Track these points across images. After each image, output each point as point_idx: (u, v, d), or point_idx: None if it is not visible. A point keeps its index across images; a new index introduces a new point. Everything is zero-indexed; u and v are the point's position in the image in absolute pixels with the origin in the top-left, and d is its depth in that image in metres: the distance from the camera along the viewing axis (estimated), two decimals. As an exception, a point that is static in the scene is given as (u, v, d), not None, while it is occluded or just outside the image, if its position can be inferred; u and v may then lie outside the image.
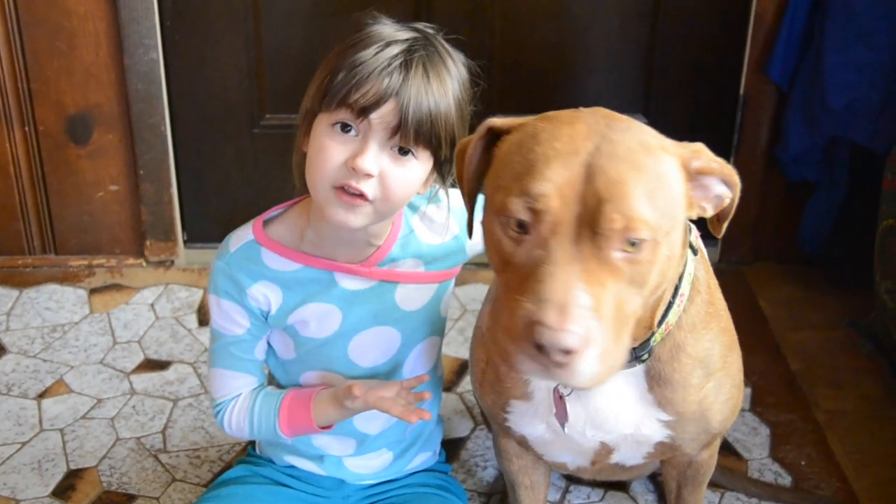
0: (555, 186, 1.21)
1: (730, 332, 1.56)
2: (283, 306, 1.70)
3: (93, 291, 2.81)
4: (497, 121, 1.36)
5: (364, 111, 1.51)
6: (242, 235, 1.71)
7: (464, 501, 1.92)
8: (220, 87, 2.80)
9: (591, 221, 1.20)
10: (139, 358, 2.52)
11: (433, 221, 1.75)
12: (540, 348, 1.17)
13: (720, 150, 2.78)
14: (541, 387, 1.52)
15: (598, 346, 1.19)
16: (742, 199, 2.97)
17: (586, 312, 1.17)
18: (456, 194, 1.73)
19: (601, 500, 2.08)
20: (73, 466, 2.18)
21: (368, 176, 1.53)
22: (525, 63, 2.80)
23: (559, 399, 1.50)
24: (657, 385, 1.48)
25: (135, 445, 2.23)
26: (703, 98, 2.83)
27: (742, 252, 2.95)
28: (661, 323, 1.42)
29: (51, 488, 2.12)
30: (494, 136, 1.37)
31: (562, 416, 1.50)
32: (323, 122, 1.56)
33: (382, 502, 1.89)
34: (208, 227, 2.93)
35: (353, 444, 1.83)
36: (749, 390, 2.41)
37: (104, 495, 2.10)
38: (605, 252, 1.20)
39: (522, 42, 2.77)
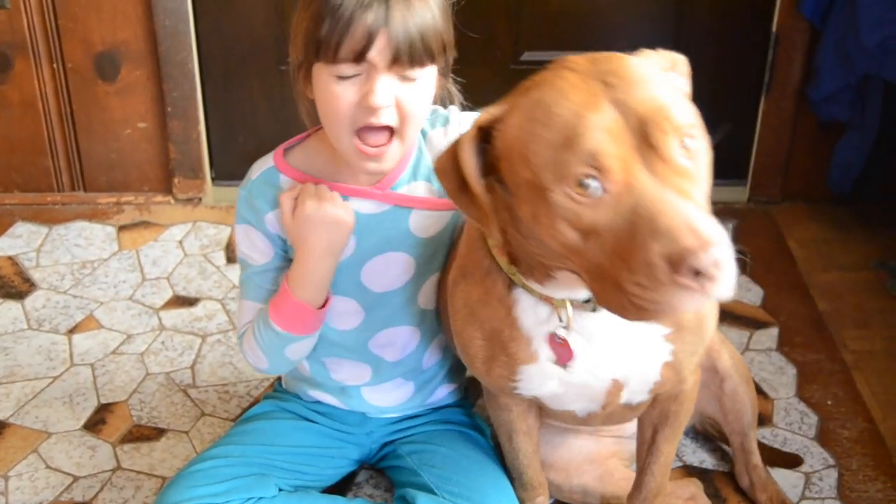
0: (605, 131, 1.18)
1: None
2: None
3: (121, 228, 2.82)
4: (484, 118, 1.30)
5: (360, 55, 1.51)
6: (264, 163, 1.75)
7: (487, 438, 1.93)
8: (247, 23, 2.78)
9: (650, 144, 1.18)
10: (168, 294, 2.54)
11: (438, 144, 1.74)
12: (697, 274, 1.12)
13: (752, 88, 2.79)
14: (544, 344, 1.50)
15: (729, 244, 1.15)
16: (772, 138, 2.97)
17: (707, 219, 1.15)
18: (456, 118, 1.73)
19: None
20: (103, 401, 2.20)
21: (386, 108, 1.54)
22: (553, 2, 2.76)
23: (559, 345, 1.48)
24: None
25: (164, 380, 2.26)
26: (735, 35, 2.80)
27: (771, 192, 2.93)
28: None
29: (82, 422, 2.15)
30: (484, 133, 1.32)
31: (565, 359, 1.49)
32: (324, 73, 1.56)
33: (405, 440, 1.90)
34: (236, 165, 2.93)
35: (368, 371, 1.84)
36: (776, 330, 2.41)
37: (134, 429, 2.13)
38: (675, 162, 1.19)
39: (552, -22, 2.75)
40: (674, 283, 1.13)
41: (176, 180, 2.92)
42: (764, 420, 2.14)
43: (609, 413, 1.67)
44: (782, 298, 2.53)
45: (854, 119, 2.70)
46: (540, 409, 1.75)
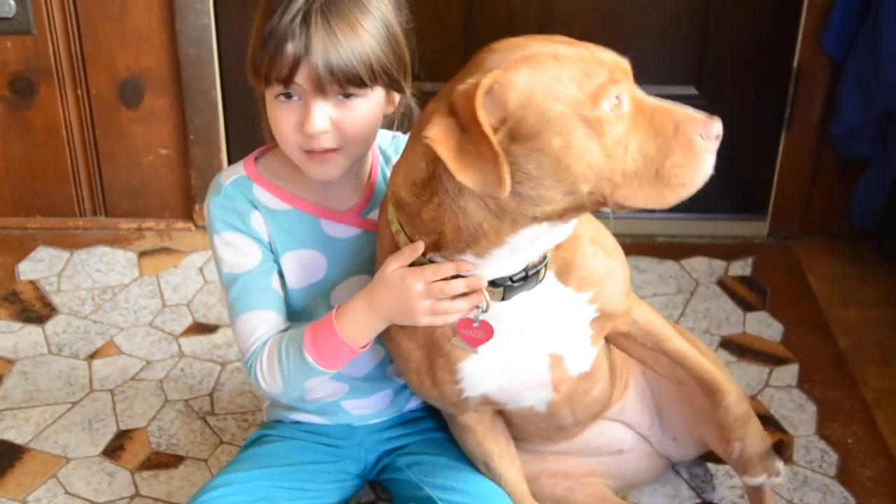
0: (609, 58, 1.46)
1: None
2: (274, 250, 1.73)
3: (142, 254, 2.83)
4: (489, 78, 1.38)
5: (286, 81, 1.56)
6: (233, 171, 1.76)
7: None
8: (270, 52, 2.80)
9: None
10: (188, 321, 2.55)
11: None
12: (718, 137, 1.42)
13: (773, 123, 2.80)
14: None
15: None
16: (793, 173, 2.97)
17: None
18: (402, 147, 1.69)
19: None
20: (122, 427, 2.21)
21: (323, 133, 1.59)
22: (576, 33, 2.76)
23: (475, 328, 1.56)
24: (567, 275, 1.58)
25: (183, 408, 2.26)
26: (757, 71, 2.80)
27: (791, 227, 2.92)
28: None
29: (101, 448, 2.15)
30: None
31: (480, 342, 1.57)
32: (269, 95, 1.62)
33: (401, 452, 1.90)
34: (257, 193, 2.95)
35: (345, 386, 1.85)
36: (796, 367, 2.40)
37: (153, 456, 2.13)
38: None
39: (574, 11, 2.75)
40: (707, 150, 1.40)
41: (197, 207, 2.93)
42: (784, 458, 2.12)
43: (569, 395, 1.70)
44: (802, 335, 2.52)
45: (876, 155, 2.69)
46: (508, 426, 1.80)
